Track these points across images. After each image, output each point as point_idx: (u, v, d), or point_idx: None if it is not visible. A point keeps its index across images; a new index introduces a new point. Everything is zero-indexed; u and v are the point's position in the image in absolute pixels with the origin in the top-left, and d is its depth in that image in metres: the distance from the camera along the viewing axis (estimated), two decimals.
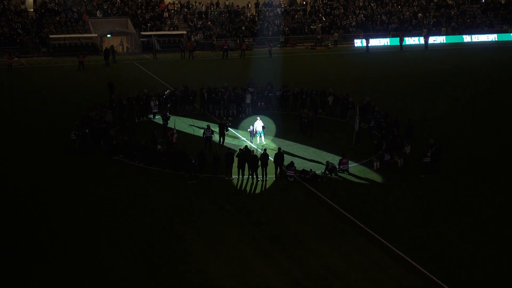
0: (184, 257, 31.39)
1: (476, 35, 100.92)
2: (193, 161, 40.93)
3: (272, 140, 48.52)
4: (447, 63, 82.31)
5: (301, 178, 41.22)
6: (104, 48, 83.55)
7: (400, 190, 40.14)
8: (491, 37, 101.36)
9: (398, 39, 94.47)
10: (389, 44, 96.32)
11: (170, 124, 49.01)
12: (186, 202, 38.06)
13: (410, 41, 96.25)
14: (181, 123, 52.00)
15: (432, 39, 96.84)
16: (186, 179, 40.97)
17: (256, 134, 47.86)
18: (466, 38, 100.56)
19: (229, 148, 42.73)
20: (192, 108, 56.49)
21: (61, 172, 42.91)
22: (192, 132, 50.79)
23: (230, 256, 31.46)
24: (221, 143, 47.68)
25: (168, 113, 51.32)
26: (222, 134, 47.97)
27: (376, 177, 42.01)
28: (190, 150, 43.33)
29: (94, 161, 44.78)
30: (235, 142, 48.23)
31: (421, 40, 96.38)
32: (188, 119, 53.88)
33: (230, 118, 52.28)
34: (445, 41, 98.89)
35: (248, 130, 48.26)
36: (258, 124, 47.81)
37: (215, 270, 30.25)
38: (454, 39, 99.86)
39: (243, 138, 49.14)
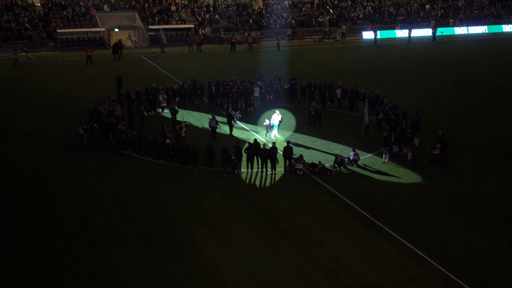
0: (193, 251, 31.42)
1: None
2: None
3: (281, 133, 48.45)
4: (454, 55, 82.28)
5: (310, 171, 41.20)
6: (113, 43, 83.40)
7: (409, 182, 40.07)
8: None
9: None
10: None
11: (179, 117, 49.06)
12: (195, 196, 38.07)
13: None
14: (189, 117, 52.10)
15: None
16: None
17: (273, 128, 47.92)
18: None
19: (238, 142, 42.73)
20: (201, 101, 56.51)
21: (69, 166, 43.02)
22: (200, 125, 50.86)
23: (239, 250, 31.50)
24: (229, 133, 47.88)
25: (176, 107, 51.37)
26: (230, 125, 48.12)
27: (385, 170, 41.96)
28: (199, 143, 43.39)
29: (103, 155, 44.86)
30: (244, 135, 48.22)
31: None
32: (196, 112, 53.96)
33: (238, 111, 52.29)
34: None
35: (264, 123, 48.26)
36: (276, 118, 47.84)
37: (224, 264, 30.28)
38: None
39: (251, 131, 49.16)
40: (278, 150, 42.10)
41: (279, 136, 47.57)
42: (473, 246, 31.86)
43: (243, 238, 32.76)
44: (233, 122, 48.54)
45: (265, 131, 48.14)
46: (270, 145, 42.28)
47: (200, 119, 52.13)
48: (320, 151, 45.16)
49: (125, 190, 39.00)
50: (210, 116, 49.04)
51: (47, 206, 36.78)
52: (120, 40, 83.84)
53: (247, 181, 40.57)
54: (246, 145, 42.31)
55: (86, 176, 41.25)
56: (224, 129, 48.91)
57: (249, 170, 41.51)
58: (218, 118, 48.67)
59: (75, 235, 33.19)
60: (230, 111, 49.86)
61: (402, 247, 31.67)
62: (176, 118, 49.43)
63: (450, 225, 34.05)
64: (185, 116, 49.87)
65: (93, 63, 76.61)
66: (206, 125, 49.25)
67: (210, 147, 41.98)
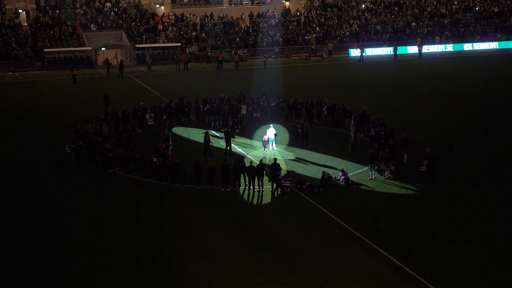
0: (181, 269, 31.33)
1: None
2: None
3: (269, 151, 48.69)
4: (441, 72, 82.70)
5: (297, 189, 41.19)
6: (119, 60, 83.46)
7: (396, 199, 40.14)
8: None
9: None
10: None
11: (184, 133, 50.79)
12: (183, 214, 38.01)
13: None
14: (183, 133, 52.91)
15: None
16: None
17: (269, 142, 48.21)
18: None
19: (225, 160, 42.73)
20: (188, 119, 56.56)
21: (56, 185, 42.84)
22: (187, 136, 51.74)
23: (227, 267, 31.42)
24: (227, 151, 48.21)
25: (169, 123, 52.07)
26: (228, 143, 48.32)
27: (372, 186, 42.02)
28: (187, 161, 43.36)
29: (90, 174, 44.73)
30: (235, 152, 48.29)
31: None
32: (183, 129, 54.14)
33: (236, 127, 52.95)
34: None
35: (263, 139, 48.52)
36: (271, 132, 48.16)
37: (212, 281, 30.20)
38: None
39: (238, 149, 49.19)
40: (265, 168, 42.19)
41: (276, 148, 48.01)
42: (462, 261, 31.90)
43: (231, 255, 32.70)
44: (231, 139, 48.87)
45: (264, 147, 48.34)
46: (257, 162, 42.32)
47: (188, 136, 52.35)
48: (307, 168, 45.18)
49: (112, 209, 38.87)
50: (196, 131, 49.37)
51: (34, 224, 36.56)
52: (107, 59, 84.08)
53: (235, 198, 40.54)
54: (234, 163, 42.30)
55: (73, 195, 41.07)
56: (220, 143, 49.39)
57: (236, 187, 41.54)
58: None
59: (62, 253, 33.02)
60: (226, 129, 50.02)
61: (390, 263, 31.68)
62: (170, 134, 49.63)
63: (438, 240, 34.10)
64: (179, 132, 50.45)
65: (79, 82, 76.48)
66: (194, 137, 49.51)
67: (198, 164, 41.96)
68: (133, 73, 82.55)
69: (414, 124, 55.14)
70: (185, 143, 51.11)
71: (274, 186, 41.28)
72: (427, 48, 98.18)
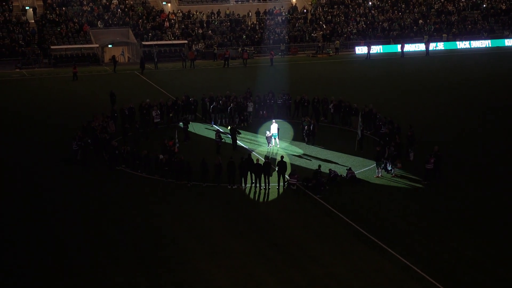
0: (186, 266, 31.35)
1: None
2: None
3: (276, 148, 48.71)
4: (447, 70, 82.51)
5: (303, 186, 41.18)
6: (140, 58, 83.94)
7: (403, 196, 40.09)
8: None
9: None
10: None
11: (190, 128, 50.89)
12: (189, 211, 38.02)
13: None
14: (198, 129, 53.26)
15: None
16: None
17: (272, 137, 48.42)
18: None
19: (231, 157, 42.71)
20: (194, 117, 56.55)
21: (63, 182, 42.90)
22: (193, 130, 52.16)
23: (232, 265, 31.44)
24: (233, 147, 48.44)
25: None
26: (234, 139, 48.51)
27: (378, 184, 41.97)
28: (193, 158, 43.38)
29: (96, 171, 44.78)
30: (242, 149, 48.29)
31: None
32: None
33: (242, 124, 53.26)
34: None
35: (266, 135, 48.66)
36: (274, 127, 48.43)
37: (217, 279, 30.21)
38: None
39: (245, 147, 49.20)
40: (272, 165, 42.17)
41: (279, 145, 48.57)
42: (467, 259, 31.88)
43: (237, 253, 32.71)
44: (237, 136, 49.05)
45: (267, 143, 48.56)
46: (264, 159, 42.32)
47: (193, 130, 52.47)
48: (314, 166, 45.08)
49: (118, 205, 38.92)
50: (202, 126, 49.27)
51: (40, 220, 36.63)
52: (113, 56, 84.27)
53: (241, 196, 40.54)
54: (240, 160, 42.30)
55: (79, 192, 41.12)
56: (227, 141, 49.60)
57: (243, 185, 41.53)
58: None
59: (66, 250, 33.06)
60: (232, 126, 50.19)
61: (396, 261, 31.65)
62: (188, 128, 50.39)
63: (443, 238, 34.06)
64: (194, 128, 51.87)
65: (86, 79, 76.59)
66: (199, 132, 50.23)
67: (204, 162, 41.96)
68: (139, 70, 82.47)
69: (420, 121, 55.02)
70: (192, 140, 51.05)
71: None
72: (434, 46, 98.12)
